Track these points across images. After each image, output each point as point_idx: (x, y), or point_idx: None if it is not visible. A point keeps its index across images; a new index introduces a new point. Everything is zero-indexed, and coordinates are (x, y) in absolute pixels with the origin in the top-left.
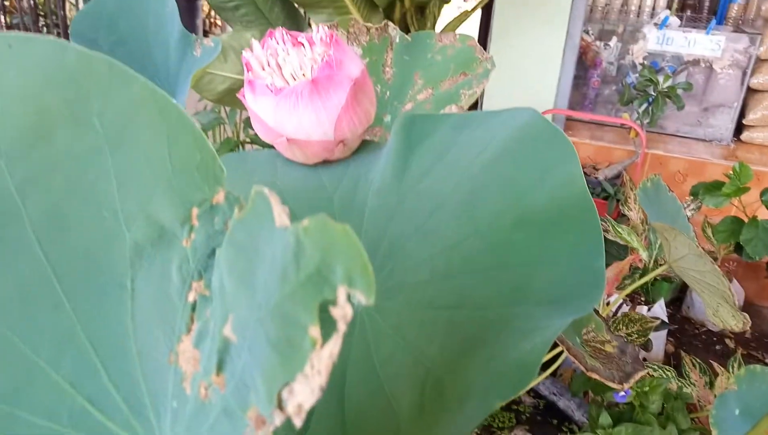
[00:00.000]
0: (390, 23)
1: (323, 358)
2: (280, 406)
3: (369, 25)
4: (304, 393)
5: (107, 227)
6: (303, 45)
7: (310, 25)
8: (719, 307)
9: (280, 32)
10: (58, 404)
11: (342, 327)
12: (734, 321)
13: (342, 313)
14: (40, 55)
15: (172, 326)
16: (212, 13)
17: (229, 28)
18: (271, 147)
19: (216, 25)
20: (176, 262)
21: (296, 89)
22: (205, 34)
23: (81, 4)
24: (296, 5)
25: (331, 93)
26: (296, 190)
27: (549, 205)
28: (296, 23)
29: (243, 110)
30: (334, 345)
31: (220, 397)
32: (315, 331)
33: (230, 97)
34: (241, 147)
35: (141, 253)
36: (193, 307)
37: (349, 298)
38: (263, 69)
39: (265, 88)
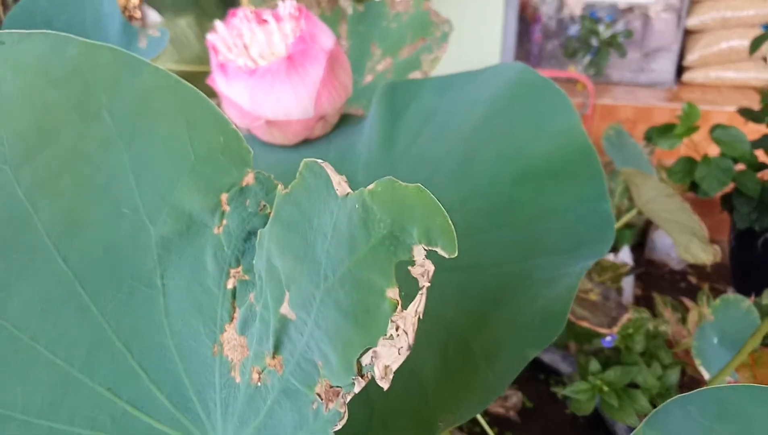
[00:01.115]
0: None
1: (408, 317)
2: (361, 372)
3: None
4: (390, 355)
5: (128, 224)
6: (268, 22)
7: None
8: (690, 243)
9: (243, 11)
10: (98, 412)
11: (425, 284)
12: (705, 254)
13: (422, 270)
14: (39, 51)
15: (212, 317)
16: (129, 4)
17: (150, 17)
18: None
19: (133, 18)
20: (210, 251)
21: (272, 68)
22: None
23: None
24: None
25: (308, 68)
26: (280, 174)
27: (550, 156)
28: (230, 5)
29: None
30: (419, 303)
31: (277, 379)
32: (393, 293)
33: None
34: None
35: (169, 247)
36: (234, 294)
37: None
38: (230, 51)
39: (238, 70)
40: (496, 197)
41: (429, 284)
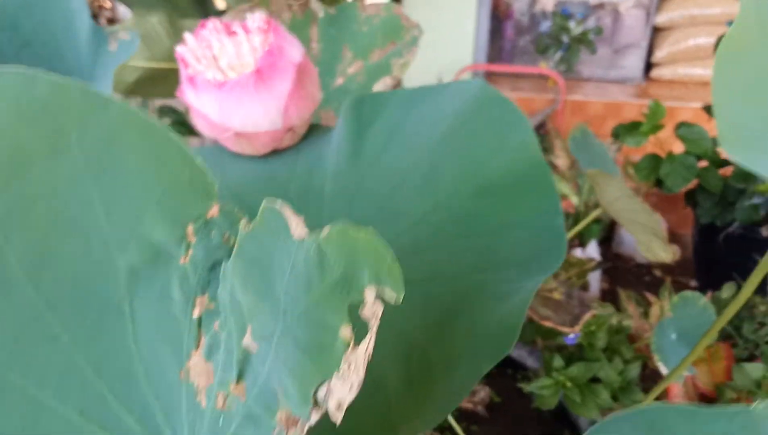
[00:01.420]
0: None
1: (359, 355)
2: (317, 404)
3: (291, 1)
4: (342, 390)
5: (98, 255)
6: (237, 34)
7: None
8: (651, 242)
9: (213, 22)
10: None
11: (375, 324)
12: (665, 254)
13: (372, 311)
14: (9, 89)
15: (179, 343)
16: None
17: (120, 12)
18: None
19: (103, 7)
20: (176, 281)
21: (241, 81)
22: (94, 17)
23: None
24: None
25: (276, 81)
26: (249, 185)
27: (507, 171)
28: (201, 4)
29: (154, 99)
30: (369, 342)
31: (241, 405)
32: (346, 332)
33: (142, 88)
34: None
35: (137, 277)
36: (200, 322)
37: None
38: (199, 62)
39: (207, 83)
40: (457, 210)
41: (378, 324)
